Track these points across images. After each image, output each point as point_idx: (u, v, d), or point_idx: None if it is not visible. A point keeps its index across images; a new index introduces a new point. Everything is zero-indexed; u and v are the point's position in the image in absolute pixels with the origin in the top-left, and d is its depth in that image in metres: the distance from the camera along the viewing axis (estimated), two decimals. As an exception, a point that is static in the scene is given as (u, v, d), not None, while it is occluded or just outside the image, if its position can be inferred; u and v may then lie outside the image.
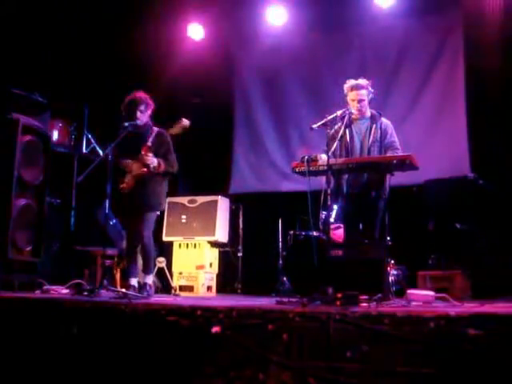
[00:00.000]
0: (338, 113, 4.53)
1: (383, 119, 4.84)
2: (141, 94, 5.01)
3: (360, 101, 4.73)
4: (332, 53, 7.50)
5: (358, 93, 4.74)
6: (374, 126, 4.76)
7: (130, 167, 4.89)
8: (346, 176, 4.73)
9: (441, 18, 6.97)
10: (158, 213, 5.14)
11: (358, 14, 7.17)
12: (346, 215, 4.70)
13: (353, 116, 4.75)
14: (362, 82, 4.78)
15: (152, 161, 4.81)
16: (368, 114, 4.84)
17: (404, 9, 6.99)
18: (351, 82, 4.80)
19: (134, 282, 4.91)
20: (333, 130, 4.65)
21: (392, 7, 7.00)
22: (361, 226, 4.67)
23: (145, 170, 4.81)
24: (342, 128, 4.62)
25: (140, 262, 5.25)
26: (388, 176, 4.67)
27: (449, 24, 6.91)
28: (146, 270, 5.04)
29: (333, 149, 4.45)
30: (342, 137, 4.69)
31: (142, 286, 4.93)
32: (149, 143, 4.82)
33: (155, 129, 5.02)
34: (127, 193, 4.87)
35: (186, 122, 4.86)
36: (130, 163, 4.89)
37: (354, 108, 4.74)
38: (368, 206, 4.67)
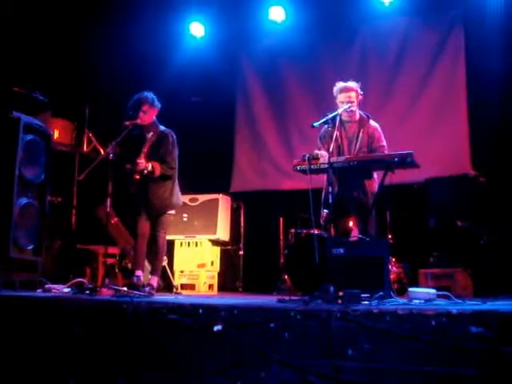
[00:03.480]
0: (340, 111, 4.52)
1: (371, 122, 4.81)
2: (147, 94, 5.01)
3: (349, 102, 4.68)
4: (333, 51, 7.49)
5: (346, 95, 4.71)
6: (362, 130, 4.73)
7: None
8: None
9: (442, 16, 6.97)
10: (172, 212, 5.11)
11: (359, 13, 7.18)
12: (337, 214, 4.68)
13: (342, 118, 4.72)
14: (351, 84, 4.76)
15: (145, 166, 4.80)
16: (357, 116, 4.81)
17: (405, 7, 7.01)
18: (340, 85, 4.77)
19: (139, 273, 4.91)
20: (323, 130, 4.65)
21: (393, 5, 7.01)
22: (351, 223, 4.68)
23: (137, 177, 4.83)
24: (335, 130, 4.60)
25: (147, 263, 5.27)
26: (376, 176, 4.66)
27: (450, 22, 6.91)
28: (153, 272, 5.04)
29: (331, 149, 4.43)
30: (332, 137, 4.67)
31: (146, 285, 4.93)
32: (144, 149, 4.84)
33: (160, 129, 5.02)
34: (134, 194, 4.92)
35: None
36: (130, 167, 4.92)
37: (343, 110, 4.71)
38: (357, 206, 4.66)
